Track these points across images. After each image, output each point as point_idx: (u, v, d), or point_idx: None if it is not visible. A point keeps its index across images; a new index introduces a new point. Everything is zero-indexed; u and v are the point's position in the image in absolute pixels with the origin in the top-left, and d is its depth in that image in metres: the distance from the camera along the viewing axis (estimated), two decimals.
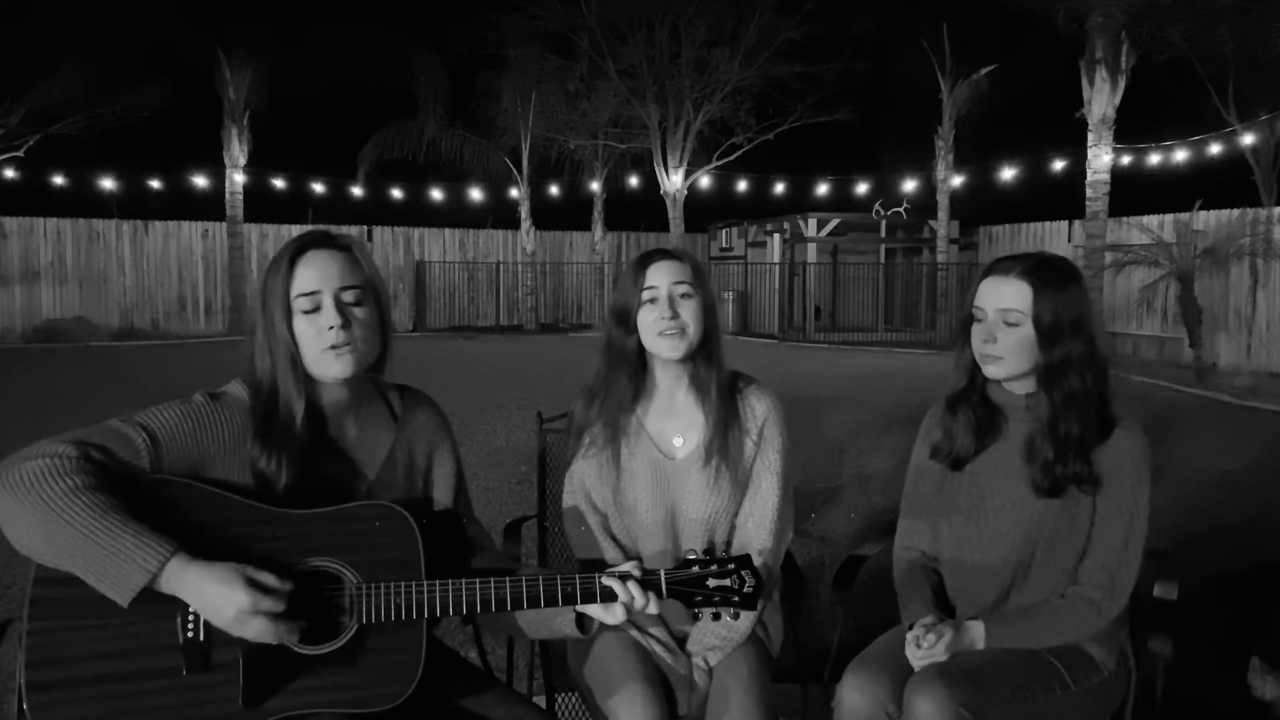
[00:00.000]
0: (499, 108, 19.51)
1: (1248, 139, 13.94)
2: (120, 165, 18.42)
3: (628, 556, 2.08)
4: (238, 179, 18.74)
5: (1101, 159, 14.02)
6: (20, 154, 17.17)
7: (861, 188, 19.72)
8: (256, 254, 19.45)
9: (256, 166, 19.07)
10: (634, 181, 21.09)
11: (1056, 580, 1.99)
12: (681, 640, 2.06)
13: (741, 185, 20.74)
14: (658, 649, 2.02)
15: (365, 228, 20.19)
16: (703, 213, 22.37)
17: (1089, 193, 14.25)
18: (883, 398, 9.47)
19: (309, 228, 1.81)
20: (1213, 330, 13.51)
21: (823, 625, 3.42)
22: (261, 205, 19.45)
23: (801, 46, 18.18)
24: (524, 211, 20.59)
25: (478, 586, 1.60)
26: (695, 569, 1.70)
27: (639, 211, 22.14)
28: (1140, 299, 12.98)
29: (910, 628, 1.99)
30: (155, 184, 19.01)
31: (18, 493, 1.43)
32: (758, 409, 2.13)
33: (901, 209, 19.63)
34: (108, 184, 18.50)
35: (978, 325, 2.02)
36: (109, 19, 15.46)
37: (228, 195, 18.78)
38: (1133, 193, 15.14)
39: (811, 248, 19.57)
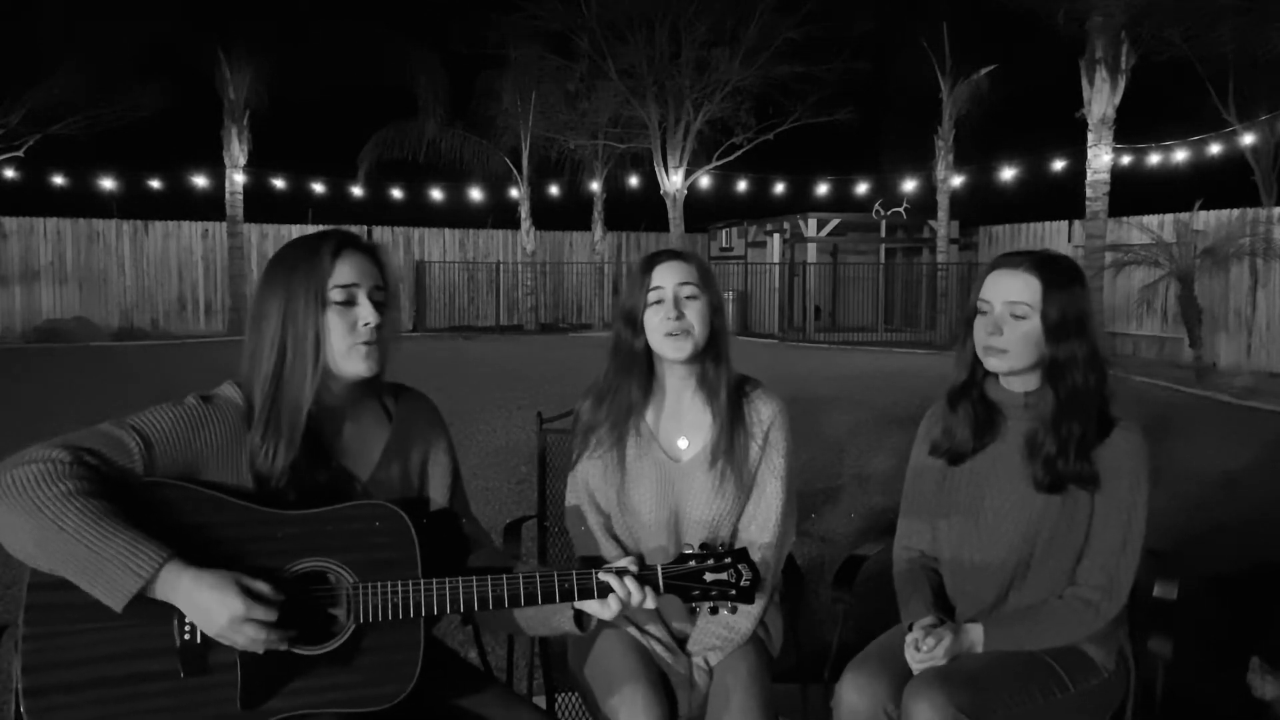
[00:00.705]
0: (499, 108, 19.51)
1: (1248, 139, 13.94)
2: (120, 165, 18.44)
3: (629, 557, 2.08)
4: (238, 179, 18.74)
5: (1101, 159, 14.02)
6: (20, 154, 17.17)
7: (861, 188, 19.73)
8: (256, 254, 19.45)
9: (256, 166, 19.09)
10: (634, 181, 21.10)
11: (1055, 581, 1.99)
12: (682, 640, 2.05)
13: (741, 185, 20.74)
14: (658, 649, 2.02)
15: (365, 228, 20.19)
16: (703, 213, 22.38)
17: (1089, 193, 14.25)
18: (883, 398, 9.47)
19: (320, 228, 1.81)
20: (1213, 330, 13.51)
21: (823, 625, 3.41)
22: (261, 205, 19.47)
23: (801, 46, 18.18)
24: (524, 211, 20.59)
25: (475, 584, 1.60)
26: (692, 563, 1.70)
27: (639, 211, 22.17)
28: (1140, 299, 12.98)
29: (910, 628, 1.99)
30: (155, 184, 19.02)
31: (11, 498, 1.43)
32: (763, 412, 2.13)
33: (901, 209, 19.62)
34: (108, 184, 18.51)
35: (982, 318, 2.01)
36: (109, 19, 15.46)
37: (228, 195, 18.78)
38: (1133, 193, 15.14)
39: (811, 248, 19.57)
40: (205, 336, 18.46)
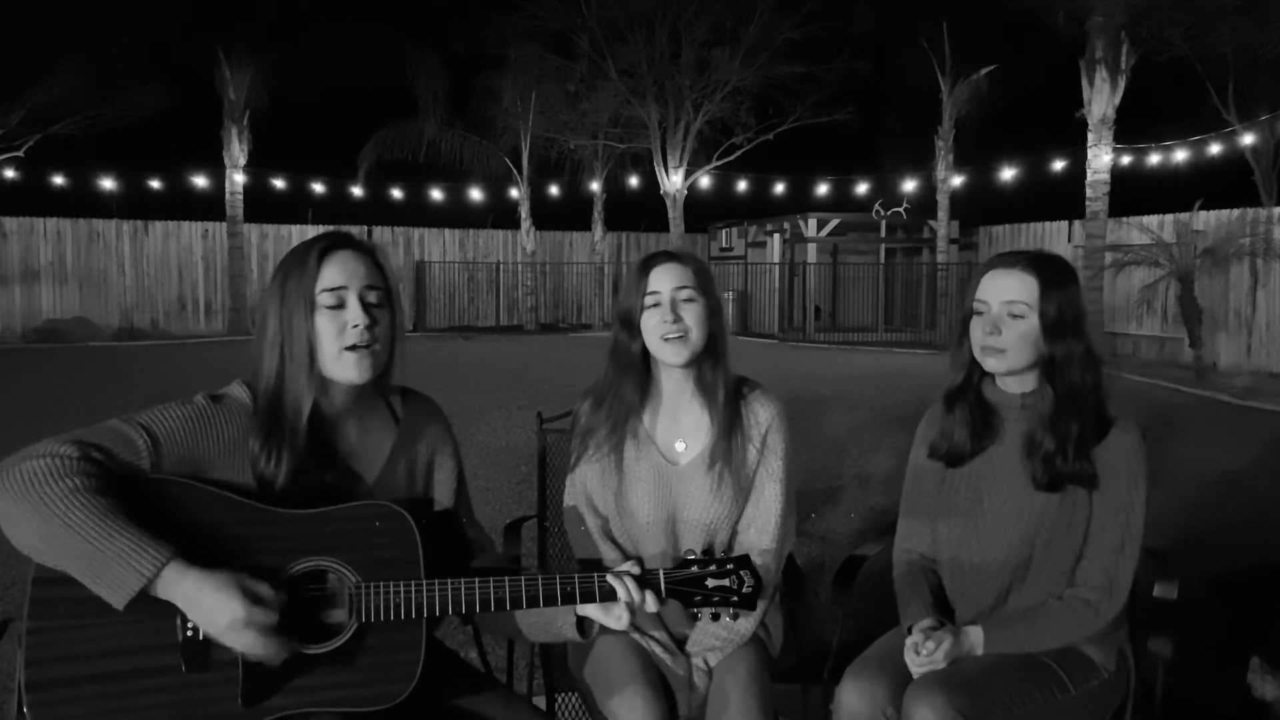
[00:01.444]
0: (499, 108, 19.51)
1: (1248, 139, 13.95)
2: (120, 165, 18.44)
3: (627, 559, 2.08)
4: (238, 179, 18.74)
5: (1101, 159, 14.02)
6: (20, 154, 17.17)
7: (861, 188, 19.73)
8: (256, 254, 19.46)
9: (256, 166, 19.09)
10: (634, 181, 21.10)
11: (1054, 582, 1.99)
12: (681, 641, 2.05)
13: (741, 185, 20.75)
14: (657, 650, 2.02)
15: (365, 228, 20.19)
16: (703, 213, 22.38)
17: (1089, 193, 14.25)
18: (883, 398, 9.47)
19: (324, 228, 1.82)
20: (1213, 330, 13.51)
21: (823, 625, 3.41)
22: (261, 205, 19.47)
23: (801, 46, 18.19)
24: (524, 211, 20.59)
25: (477, 586, 1.60)
26: (694, 569, 1.70)
27: (639, 211, 22.17)
28: (1140, 299, 12.98)
29: (909, 631, 1.99)
30: (155, 184, 19.02)
31: (18, 492, 1.43)
32: (761, 415, 2.12)
33: (901, 209, 19.63)
34: (108, 184, 18.51)
35: (979, 319, 2.01)
36: (109, 19, 15.46)
37: (228, 195, 18.78)
38: (1133, 193, 15.14)
39: (811, 248, 19.57)
40: (205, 336, 18.46)
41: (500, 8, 18.22)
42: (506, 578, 1.62)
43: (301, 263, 1.66)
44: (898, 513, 2.24)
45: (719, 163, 20.13)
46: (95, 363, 13.51)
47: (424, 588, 1.58)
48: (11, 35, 14.76)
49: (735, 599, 1.69)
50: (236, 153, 18.69)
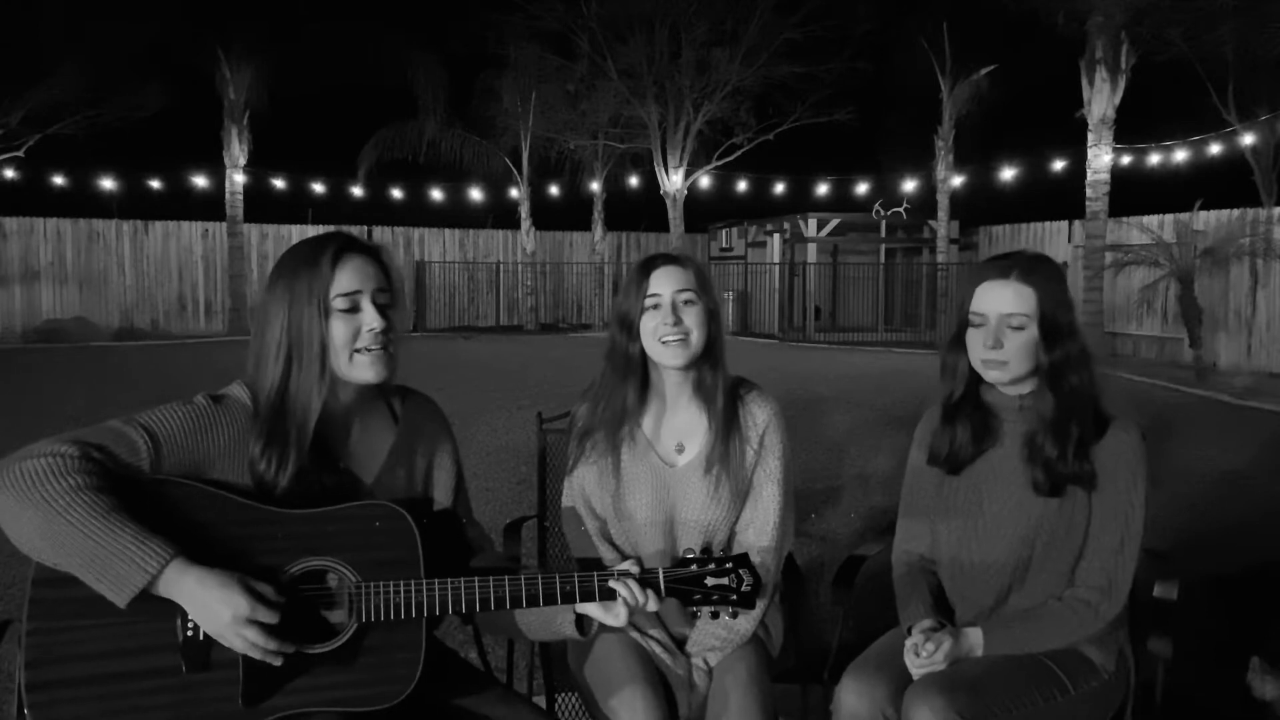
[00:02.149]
0: (499, 108, 19.52)
1: (1248, 139, 13.94)
2: (120, 165, 18.44)
3: (625, 560, 2.08)
4: (238, 179, 18.75)
5: (1101, 159, 14.02)
6: (20, 154, 17.17)
7: (861, 188, 19.73)
8: (256, 254, 19.46)
9: (256, 166, 19.10)
10: (634, 181, 21.10)
11: (1054, 583, 1.99)
12: (681, 641, 2.05)
13: (741, 185, 20.75)
14: (657, 650, 2.02)
15: (365, 228, 20.20)
16: (703, 213, 22.39)
17: (1089, 193, 14.25)
18: (883, 398, 9.47)
19: (320, 229, 1.82)
20: (1213, 330, 13.51)
21: (823, 625, 3.41)
22: (261, 205, 19.49)
23: (801, 46, 18.19)
24: (524, 211, 20.59)
25: (477, 585, 1.60)
26: (694, 567, 1.70)
27: (639, 211, 22.18)
28: (1140, 299, 12.99)
29: (909, 632, 1.99)
30: (155, 184, 19.02)
31: (19, 491, 1.43)
32: (759, 416, 2.12)
33: (901, 209, 19.63)
34: (108, 184, 18.51)
35: (977, 331, 2.00)
36: (109, 19, 15.46)
37: (228, 195, 18.78)
38: (1133, 193, 15.14)
39: (811, 248, 19.57)
40: (205, 336, 18.46)
41: (500, 8, 18.24)
42: (506, 577, 1.62)
43: (312, 265, 1.64)
44: (898, 513, 2.24)
45: (719, 163, 20.14)
46: (95, 363, 13.51)
47: (423, 587, 1.58)
48: (11, 35, 14.76)
49: (734, 597, 1.69)
50: (236, 153, 18.69)
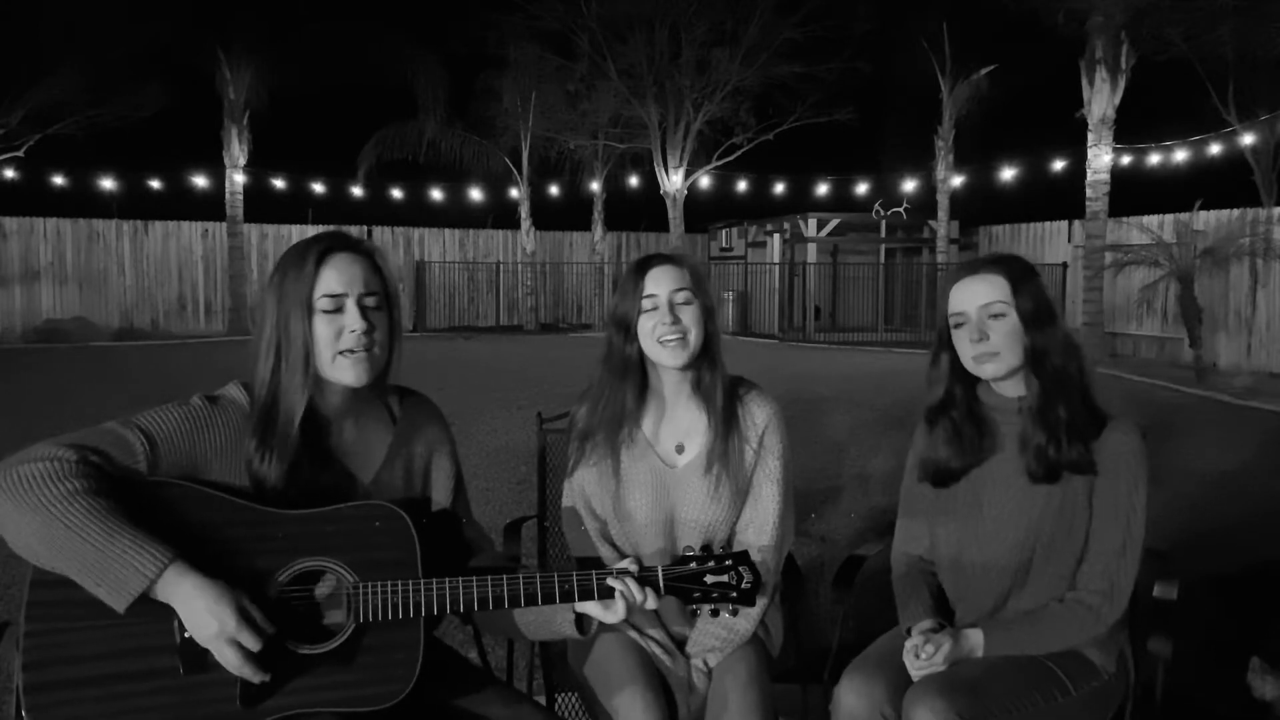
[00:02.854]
0: (499, 108, 19.52)
1: (1248, 139, 13.94)
2: (120, 165, 18.45)
3: (625, 559, 2.08)
4: (238, 179, 18.75)
5: (1101, 159, 14.02)
6: (20, 154, 17.17)
7: (861, 188, 19.73)
8: (256, 254, 19.47)
9: (256, 166, 19.10)
10: (634, 181, 21.11)
11: (1054, 585, 1.98)
12: (681, 642, 2.05)
13: (741, 185, 20.75)
14: (657, 651, 2.01)
15: (365, 228, 20.20)
16: (703, 213, 22.40)
17: (1089, 193, 14.25)
18: (883, 398, 9.47)
19: (324, 228, 1.81)
20: (1213, 330, 13.51)
21: (823, 625, 3.41)
22: (261, 205, 19.49)
23: (801, 46, 18.19)
24: (524, 211, 20.60)
25: (475, 585, 1.60)
26: (693, 565, 1.70)
27: (639, 211, 22.19)
28: (1140, 299, 12.97)
29: (908, 633, 1.98)
30: (155, 184, 19.02)
31: (16, 495, 1.43)
32: (758, 416, 2.12)
33: (901, 209, 19.63)
34: (108, 184, 18.51)
35: (961, 330, 2.00)
36: (109, 19, 15.46)
37: (228, 195, 18.78)
38: (1133, 193, 15.15)
39: (811, 248, 19.57)
40: (205, 336, 18.46)
41: (500, 8, 18.25)
42: (505, 576, 1.62)
43: (298, 265, 1.65)
44: (897, 513, 2.24)
45: (719, 163, 20.14)
46: (95, 363, 13.51)
47: (421, 587, 1.57)
48: (11, 35, 14.77)
49: (734, 595, 1.69)
50: (236, 153, 18.69)
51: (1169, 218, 13.90)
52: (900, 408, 8.59)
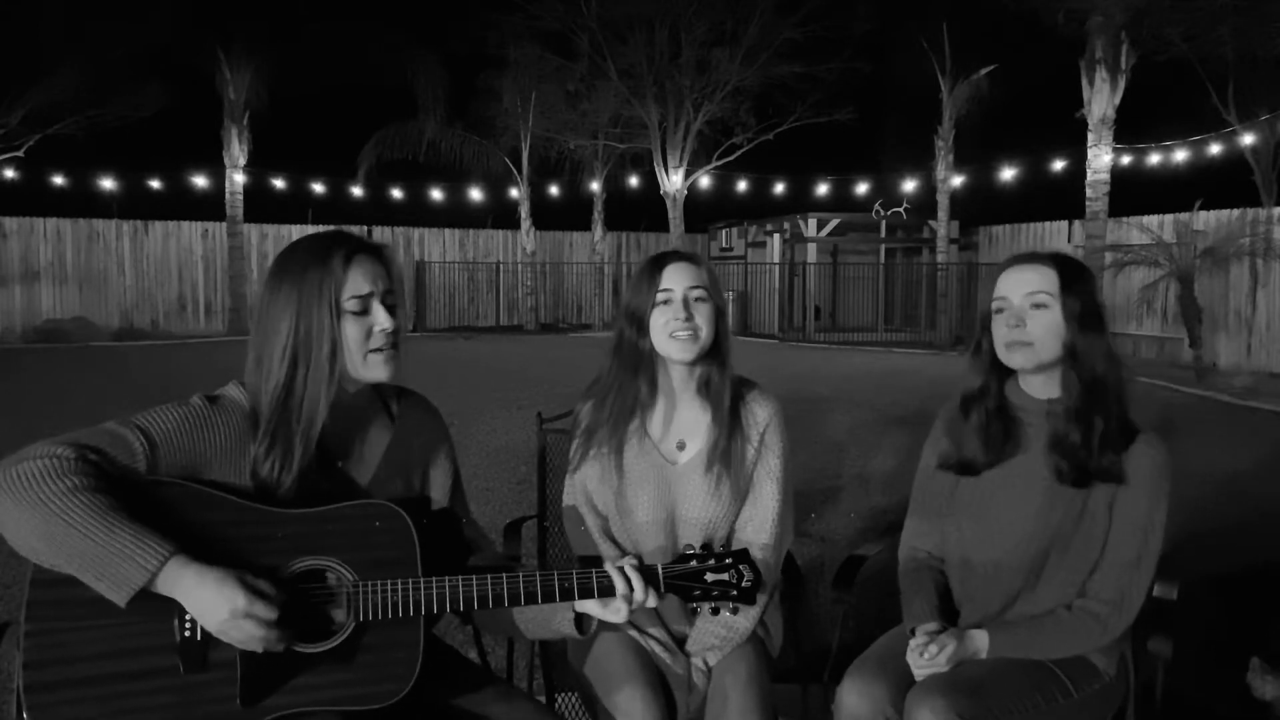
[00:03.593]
0: (499, 108, 19.52)
1: (1248, 139, 13.94)
2: (120, 165, 18.46)
3: (625, 556, 2.08)
4: (238, 179, 18.75)
5: (1101, 159, 14.02)
6: (20, 154, 17.18)
7: (861, 188, 19.73)
8: (256, 254, 19.47)
9: (256, 166, 19.11)
10: (634, 181, 21.11)
11: (1064, 590, 1.97)
12: (681, 641, 2.05)
13: (741, 185, 20.75)
14: (657, 649, 2.02)
15: (365, 228, 20.19)
16: (703, 213, 22.41)
17: (1089, 193, 14.25)
18: (883, 398, 9.47)
19: (320, 228, 1.81)
20: (1213, 330, 13.51)
21: (823, 625, 3.41)
22: (261, 205, 19.50)
23: (801, 46, 18.19)
24: (524, 211, 20.60)
25: (475, 583, 1.60)
26: (693, 563, 1.70)
27: (639, 211, 22.19)
28: (1140, 299, 12.98)
29: (912, 633, 1.98)
30: (155, 184, 19.02)
31: (16, 492, 1.43)
32: (759, 415, 2.13)
33: (901, 209, 19.63)
34: (108, 184, 18.52)
35: (1000, 316, 1.97)
36: (108, 19, 15.46)
37: (228, 195, 18.79)
38: (1133, 193, 15.14)
39: (811, 248, 19.57)
40: (205, 336, 18.47)
41: (500, 8, 18.25)
42: (504, 575, 1.62)
43: (323, 266, 1.63)
44: (898, 513, 2.23)
45: (719, 163, 20.14)
46: (95, 363, 13.51)
47: (421, 586, 1.58)
48: (11, 35, 14.77)
49: (734, 593, 1.69)
50: (236, 153, 18.69)
51: (1169, 218, 13.90)
52: (900, 408, 8.60)
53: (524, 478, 5.95)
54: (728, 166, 20.30)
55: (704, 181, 20.33)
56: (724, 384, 2.10)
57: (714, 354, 2.10)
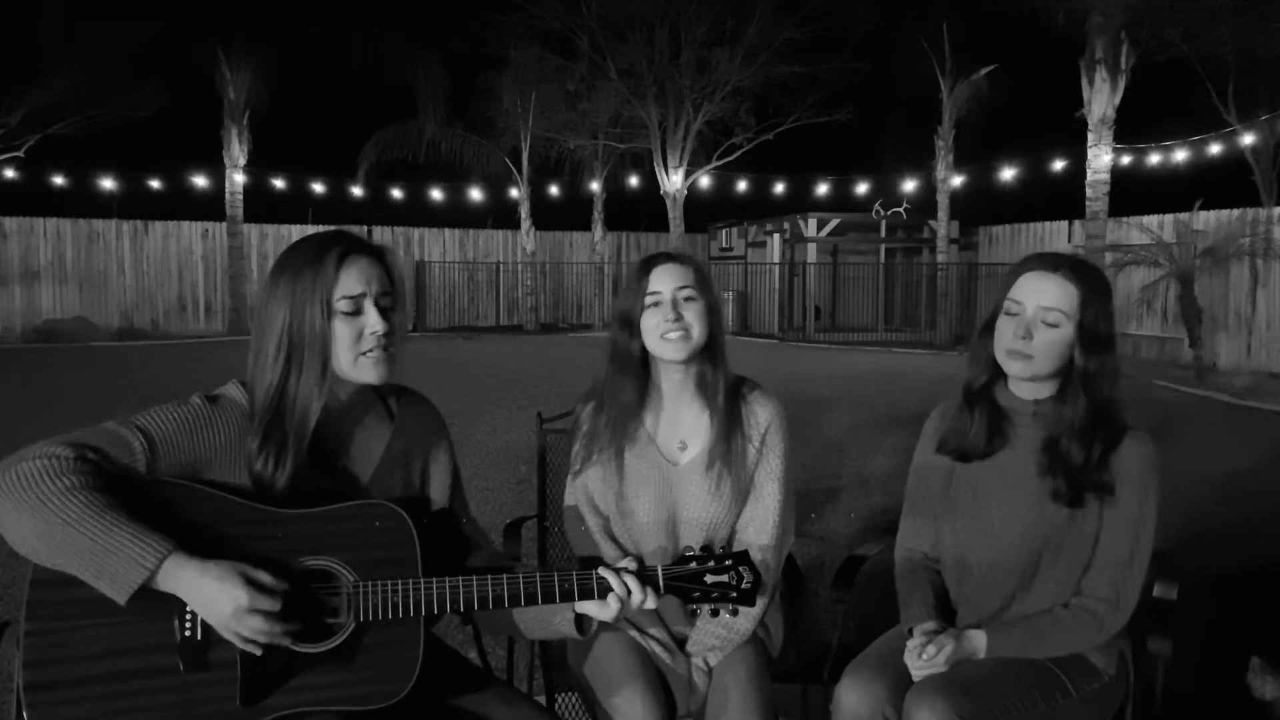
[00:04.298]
0: (499, 108, 19.52)
1: (1248, 139, 13.94)
2: (120, 165, 18.46)
3: (627, 557, 2.08)
4: (238, 179, 18.75)
5: (1101, 159, 14.02)
6: (20, 154, 17.17)
7: (861, 188, 19.73)
8: (256, 254, 19.47)
9: (256, 166, 19.11)
10: (634, 181, 21.11)
11: (1060, 590, 1.97)
12: (681, 641, 2.05)
13: (741, 185, 20.75)
14: (657, 649, 2.02)
15: (365, 228, 20.19)
16: (703, 213, 22.40)
17: (1089, 193, 14.25)
18: (883, 398, 9.47)
19: (320, 228, 1.81)
20: (1213, 330, 13.51)
21: (823, 625, 3.41)
22: (261, 205, 19.50)
23: (801, 46, 18.20)
24: (524, 211, 20.60)
25: (475, 584, 1.60)
26: (693, 565, 1.70)
27: (639, 211, 22.19)
28: (1140, 299, 12.97)
29: (910, 633, 1.98)
30: (155, 184, 19.02)
31: (15, 493, 1.43)
32: (760, 415, 2.13)
33: (901, 209, 19.63)
34: (108, 184, 18.52)
35: (1009, 319, 1.95)
36: (108, 19, 15.46)
37: (228, 195, 18.79)
38: (1133, 193, 15.14)
39: (811, 248, 19.57)
40: (205, 336, 18.46)
41: (500, 8, 18.25)
42: (505, 576, 1.62)
43: (316, 266, 1.63)
44: (898, 512, 2.23)
45: (719, 163, 20.14)
46: (95, 363, 13.51)
47: (421, 586, 1.58)
48: (11, 35, 14.77)
49: (734, 595, 1.69)
50: (236, 153, 18.69)
51: (1169, 218, 13.89)
52: (900, 408, 8.60)
53: (524, 478, 5.95)
54: (727, 166, 20.30)
55: (704, 181, 20.33)
56: (719, 382, 2.10)
57: (708, 352, 2.10)
